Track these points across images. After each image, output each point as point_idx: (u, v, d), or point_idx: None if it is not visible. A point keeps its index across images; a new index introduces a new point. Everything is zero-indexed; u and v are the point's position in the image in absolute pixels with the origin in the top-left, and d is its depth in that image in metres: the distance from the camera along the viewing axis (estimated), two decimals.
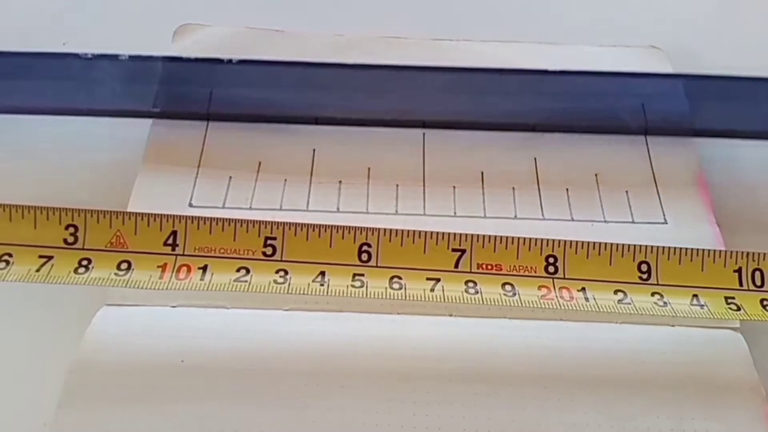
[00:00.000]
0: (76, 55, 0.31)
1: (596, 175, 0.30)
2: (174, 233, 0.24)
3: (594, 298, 0.24)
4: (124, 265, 0.23)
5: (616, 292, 0.24)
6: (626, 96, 0.32)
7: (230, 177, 0.30)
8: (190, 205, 0.29)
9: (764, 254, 0.24)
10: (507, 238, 0.24)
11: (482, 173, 0.30)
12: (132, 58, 0.31)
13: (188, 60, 0.32)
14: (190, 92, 0.32)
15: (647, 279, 0.24)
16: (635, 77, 0.32)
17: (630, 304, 0.23)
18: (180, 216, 0.24)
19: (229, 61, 0.31)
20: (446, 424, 0.23)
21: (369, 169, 0.30)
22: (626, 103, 0.32)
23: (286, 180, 0.30)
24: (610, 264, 0.24)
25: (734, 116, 0.32)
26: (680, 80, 0.32)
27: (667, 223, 0.29)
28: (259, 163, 0.30)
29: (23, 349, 0.25)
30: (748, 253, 0.24)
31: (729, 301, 0.24)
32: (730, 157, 0.32)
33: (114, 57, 0.31)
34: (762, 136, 0.32)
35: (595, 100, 0.32)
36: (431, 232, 0.24)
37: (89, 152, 0.31)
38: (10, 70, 0.31)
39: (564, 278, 0.24)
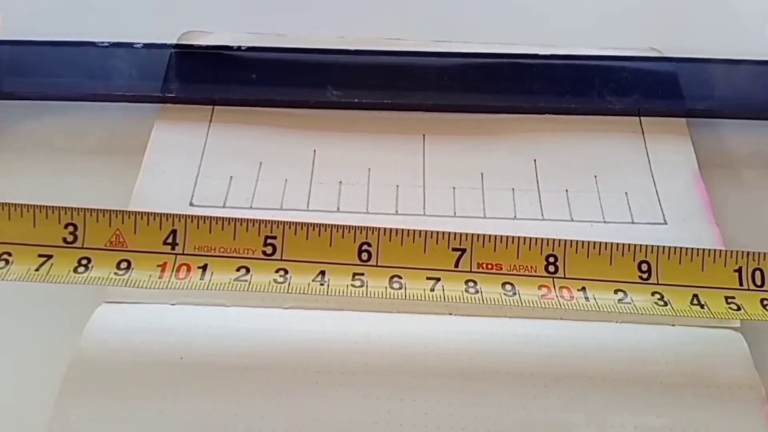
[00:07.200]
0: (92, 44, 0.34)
1: (595, 176, 0.30)
2: (174, 232, 0.24)
3: (594, 298, 0.24)
4: (123, 265, 0.23)
5: (616, 291, 0.24)
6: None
7: (231, 177, 0.30)
8: (191, 204, 0.29)
9: (764, 254, 0.24)
10: (507, 237, 0.24)
11: (482, 174, 0.30)
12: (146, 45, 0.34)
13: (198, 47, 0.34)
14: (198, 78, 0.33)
15: (647, 278, 0.24)
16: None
17: (630, 303, 0.23)
18: (180, 215, 0.24)
19: (238, 48, 0.34)
20: (446, 424, 0.23)
21: (369, 170, 0.30)
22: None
23: (286, 180, 0.30)
24: (611, 263, 0.24)
25: (723, 98, 0.33)
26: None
27: (666, 223, 0.29)
28: (260, 164, 0.30)
29: (23, 348, 0.25)
30: (748, 253, 0.24)
31: (729, 300, 0.24)
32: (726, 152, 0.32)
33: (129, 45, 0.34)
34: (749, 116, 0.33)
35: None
36: (431, 232, 0.24)
37: (91, 153, 0.31)
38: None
39: (564, 278, 0.24)
